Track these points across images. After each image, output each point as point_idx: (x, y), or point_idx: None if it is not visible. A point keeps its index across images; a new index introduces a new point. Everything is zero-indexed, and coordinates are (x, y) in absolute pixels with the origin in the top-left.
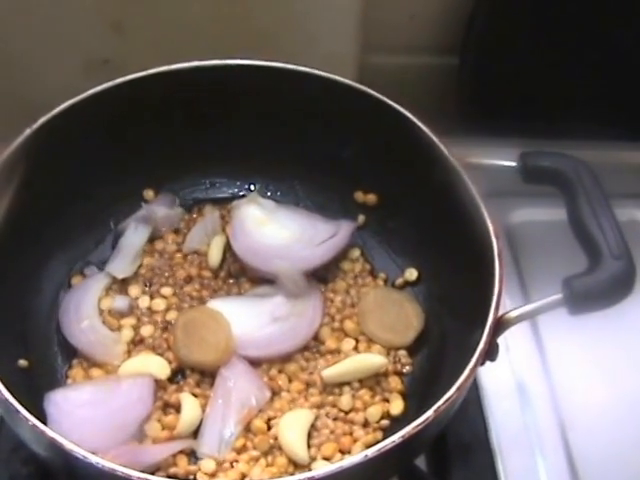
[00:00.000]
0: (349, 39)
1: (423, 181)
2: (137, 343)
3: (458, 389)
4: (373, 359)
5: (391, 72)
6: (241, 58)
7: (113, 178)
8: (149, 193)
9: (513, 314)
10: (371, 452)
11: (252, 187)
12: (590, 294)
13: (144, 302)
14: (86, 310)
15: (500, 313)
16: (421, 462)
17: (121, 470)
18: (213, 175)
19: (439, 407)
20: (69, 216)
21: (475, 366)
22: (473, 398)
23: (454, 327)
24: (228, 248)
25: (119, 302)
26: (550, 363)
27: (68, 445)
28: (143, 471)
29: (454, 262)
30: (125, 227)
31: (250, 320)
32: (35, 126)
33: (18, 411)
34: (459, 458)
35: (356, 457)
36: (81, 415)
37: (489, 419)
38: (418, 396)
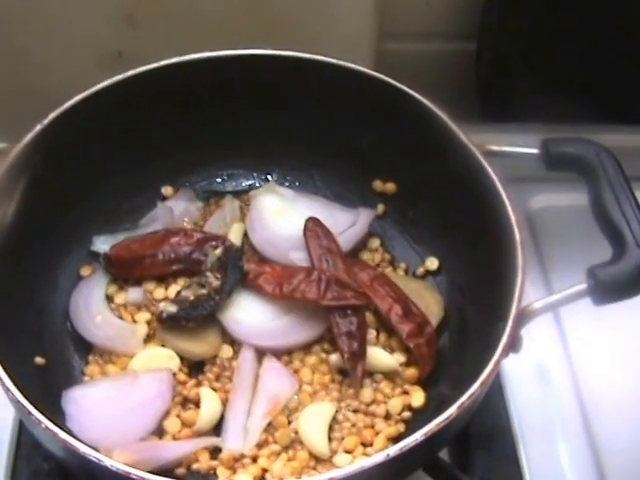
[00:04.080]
0: (365, 26)
1: (443, 169)
2: (152, 337)
3: (482, 384)
4: (383, 358)
5: (408, 59)
6: (256, 48)
7: (128, 172)
8: (168, 189)
9: (536, 305)
10: (393, 451)
11: (270, 178)
12: (615, 284)
13: (159, 294)
14: (96, 305)
15: (523, 304)
16: (443, 452)
17: (135, 473)
18: (230, 167)
19: (462, 403)
20: (84, 211)
21: (499, 360)
22: (495, 387)
23: (476, 318)
24: (246, 239)
25: (133, 294)
26: (572, 351)
27: (81, 447)
28: (163, 467)
29: (476, 251)
30: (144, 223)
31: (266, 309)
32: (46, 121)
33: (31, 412)
34: (481, 447)
35: (377, 457)
36: (99, 412)
37: (511, 408)
38: (439, 387)
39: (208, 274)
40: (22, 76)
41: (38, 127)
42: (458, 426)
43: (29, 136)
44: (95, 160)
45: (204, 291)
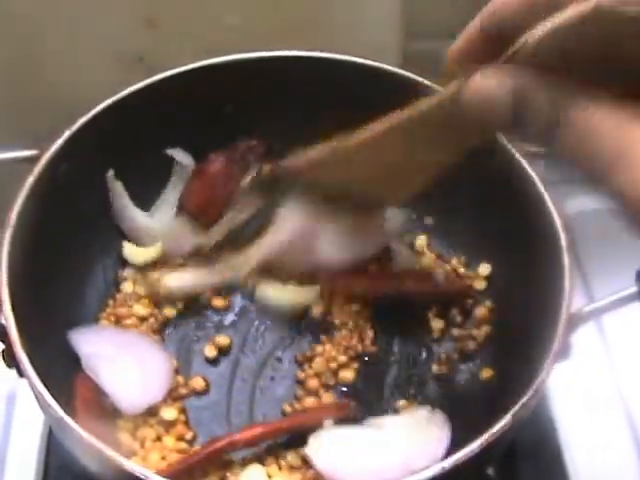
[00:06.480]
0: (392, 26)
1: (481, 173)
2: None
3: (535, 392)
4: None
5: (435, 58)
6: (281, 49)
7: (158, 178)
8: None
9: (586, 310)
10: (448, 463)
11: None
12: None
13: None
14: None
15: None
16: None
17: None
18: None
19: (517, 412)
20: (112, 220)
21: (551, 366)
22: (540, 401)
23: (523, 325)
24: None
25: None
26: (617, 362)
27: (127, 464)
28: None
29: (520, 257)
30: None
31: None
32: (74, 127)
33: (74, 429)
34: (527, 464)
35: (434, 469)
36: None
37: (557, 422)
38: (488, 399)
39: None
40: (44, 83)
41: (67, 132)
42: (511, 436)
43: (58, 142)
44: (123, 167)
45: None
